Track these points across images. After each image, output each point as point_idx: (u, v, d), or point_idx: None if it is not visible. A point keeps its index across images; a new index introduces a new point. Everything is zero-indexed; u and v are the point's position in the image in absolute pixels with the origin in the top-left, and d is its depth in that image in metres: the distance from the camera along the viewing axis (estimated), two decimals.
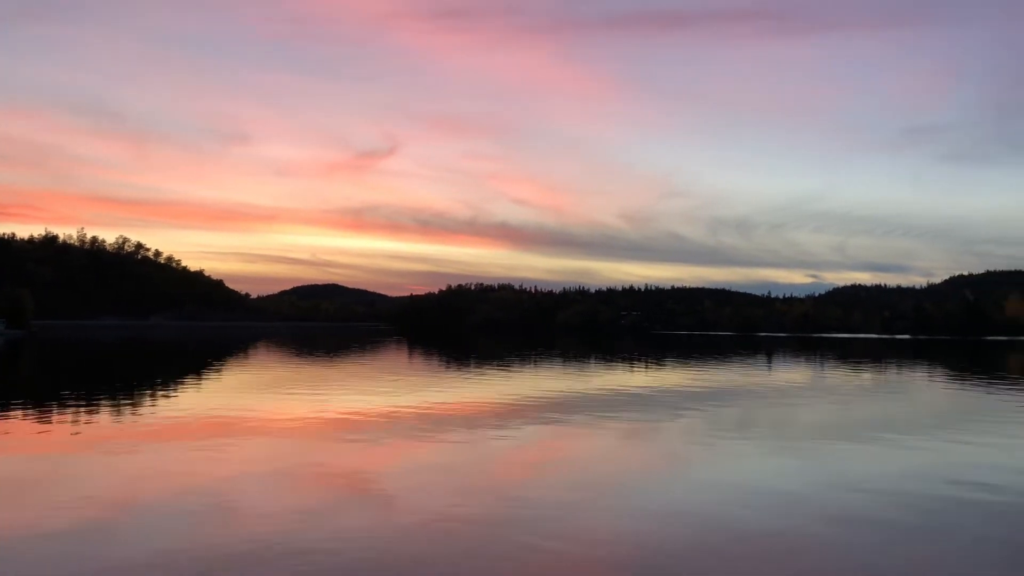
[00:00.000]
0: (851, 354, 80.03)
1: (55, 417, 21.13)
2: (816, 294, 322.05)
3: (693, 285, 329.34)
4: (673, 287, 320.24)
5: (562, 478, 13.49)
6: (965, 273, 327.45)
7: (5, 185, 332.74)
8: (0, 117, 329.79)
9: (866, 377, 44.13)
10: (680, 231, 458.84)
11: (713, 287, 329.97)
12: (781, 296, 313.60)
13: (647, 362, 57.73)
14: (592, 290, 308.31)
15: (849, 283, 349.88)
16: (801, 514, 10.92)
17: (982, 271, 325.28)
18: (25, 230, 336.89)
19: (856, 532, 10.02)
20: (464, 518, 10.46)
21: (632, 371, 46.90)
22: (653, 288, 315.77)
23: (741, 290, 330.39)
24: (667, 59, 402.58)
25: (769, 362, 60.29)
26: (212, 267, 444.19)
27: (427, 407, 24.15)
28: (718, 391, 32.18)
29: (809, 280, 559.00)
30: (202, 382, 35.19)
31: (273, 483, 12.64)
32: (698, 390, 32.56)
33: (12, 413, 21.69)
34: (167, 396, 27.60)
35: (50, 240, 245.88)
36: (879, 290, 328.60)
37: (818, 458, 15.71)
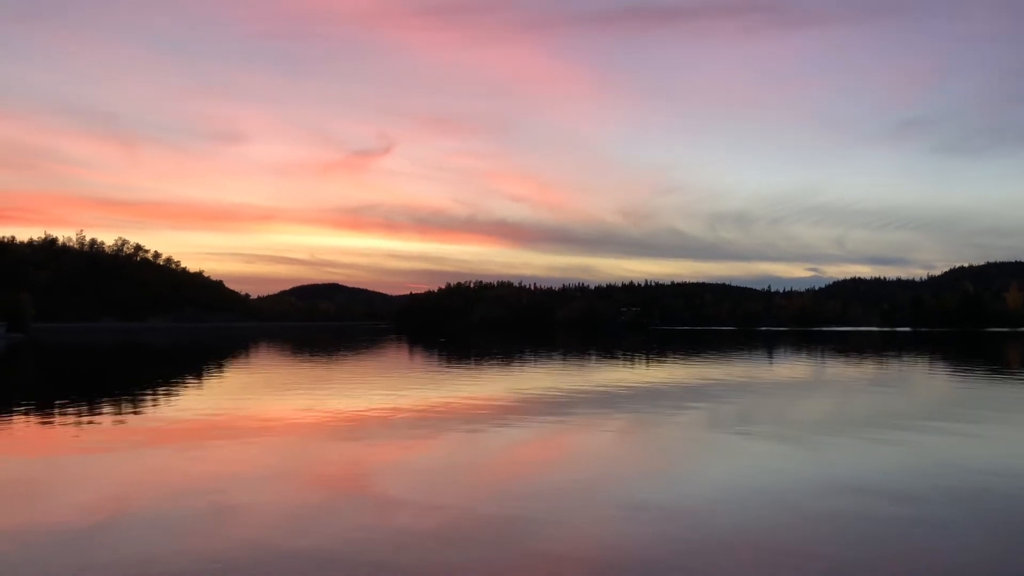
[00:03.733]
0: (851, 347, 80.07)
1: (55, 420, 21.14)
2: (816, 288, 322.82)
3: (693, 280, 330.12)
4: (673, 282, 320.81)
5: (562, 476, 13.50)
6: (965, 265, 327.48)
7: (0, 189, 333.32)
8: None
9: (866, 370, 44.18)
10: (679, 226, 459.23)
11: (713, 282, 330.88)
12: (781, 290, 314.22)
13: (647, 358, 57.75)
14: (592, 286, 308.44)
15: (849, 276, 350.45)
16: (800, 511, 10.93)
17: (982, 262, 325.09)
18: (24, 233, 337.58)
19: (855, 528, 10.03)
20: (463, 517, 10.47)
21: (632, 367, 46.92)
22: (653, 284, 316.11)
23: (741, 284, 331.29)
24: (660, 54, 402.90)
25: (769, 356, 60.32)
26: (211, 268, 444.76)
27: (427, 406, 24.16)
28: (718, 386, 32.20)
29: (809, 274, 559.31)
30: (202, 384, 35.20)
31: (272, 484, 12.64)
32: (698, 385, 32.58)
33: (13, 416, 21.71)
34: (166, 398, 27.63)
35: (49, 243, 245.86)
36: (879, 283, 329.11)
37: (819, 453, 15.71)
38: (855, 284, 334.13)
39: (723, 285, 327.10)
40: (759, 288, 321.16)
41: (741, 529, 9.82)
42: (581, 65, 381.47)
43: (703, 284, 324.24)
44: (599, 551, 8.97)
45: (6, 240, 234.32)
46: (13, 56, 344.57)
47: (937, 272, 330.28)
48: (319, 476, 13.40)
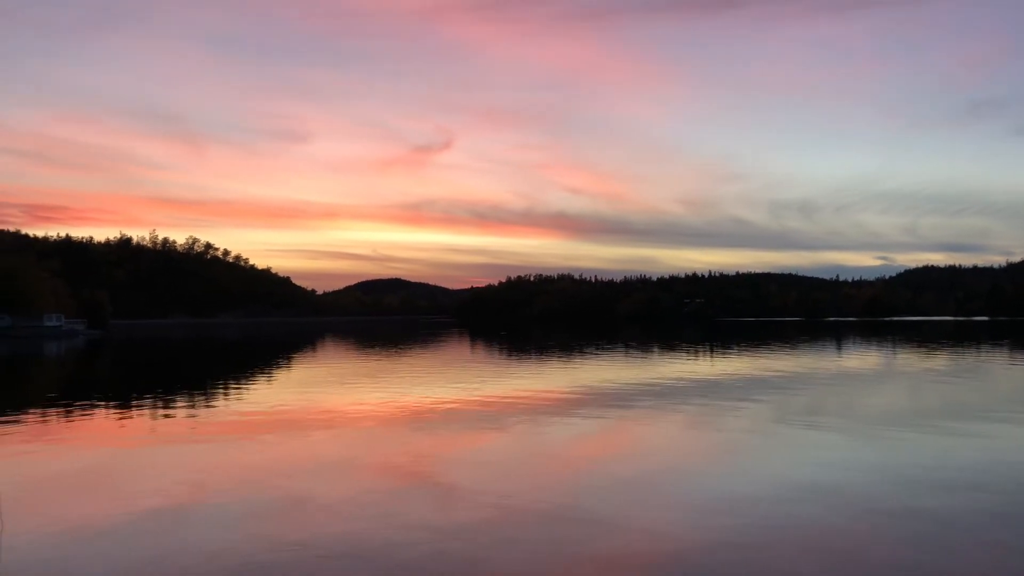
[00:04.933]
0: (924, 337, 77.56)
1: (132, 412, 21.96)
2: (886, 277, 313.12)
3: (757, 270, 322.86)
4: (737, 273, 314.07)
5: (624, 469, 13.44)
6: None
7: (78, 190, 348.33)
8: (69, 125, 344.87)
9: (939, 361, 42.73)
10: (742, 215, 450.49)
11: (778, 272, 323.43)
12: (849, 279, 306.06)
13: (711, 350, 56.97)
14: (653, 278, 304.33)
15: (921, 264, 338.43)
16: (863, 507, 10.67)
17: None
18: (100, 233, 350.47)
19: (919, 526, 9.75)
20: (526, 509, 10.51)
21: (696, 359, 46.35)
22: (716, 274, 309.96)
23: (807, 274, 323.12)
24: (717, 41, 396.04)
25: (838, 348, 58.88)
26: (278, 264, 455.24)
27: (489, 398, 24.30)
28: (785, 379, 31.59)
29: (878, 262, 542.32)
30: (271, 378, 36.08)
31: (339, 475, 12.90)
32: (764, 378, 32.01)
33: (93, 409, 22.63)
34: (237, 392, 28.41)
35: (124, 242, 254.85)
36: (953, 271, 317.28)
37: (886, 449, 15.30)
38: (927, 272, 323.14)
39: (789, 275, 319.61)
40: (826, 278, 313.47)
41: (807, 532, 9.64)
42: (638, 54, 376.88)
43: (768, 274, 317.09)
44: (657, 548, 8.90)
45: (85, 240, 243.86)
46: (87, 63, 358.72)
47: (1017, 259, 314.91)
48: (384, 467, 13.62)
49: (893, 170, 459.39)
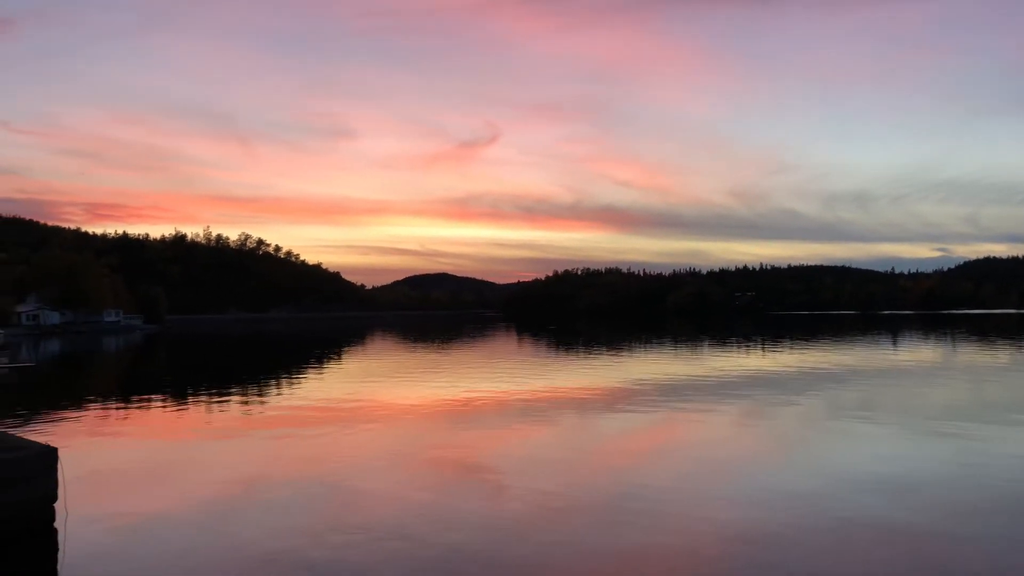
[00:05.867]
0: (984, 331, 75.25)
1: (189, 405, 22.43)
2: (945, 269, 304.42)
3: (810, 263, 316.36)
4: (789, 266, 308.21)
5: (675, 464, 13.31)
6: None
7: (134, 189, 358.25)
8: (125, 126, 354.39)
9: (999, 357, 41.36)
10: (793, 207, 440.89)
11: (831, 264, 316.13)
12: (906, 272, 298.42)
13: (763, 344, 56.06)
14: (704, 271, 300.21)
15: (982, 256, 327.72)
16: (919, 504, 10.39)
17: None
18: (156, 230, 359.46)
19: (982, 523, 9.44)
20: (576, 503, 10.47)
21: (747, 354, 45.66)
22: (768, 267, 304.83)
23: (862, 267, 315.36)
24: (767, 29, 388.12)
25: (894, 341, 57.45)
26: (328, 260, 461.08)
27: (538, 392, 24.25)
28: (839, 373, 30.92)
29: (937, 254, 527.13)
30: (322, 372, 36.55)
31: (387, 468, 13.00)
32: (817, 372, 31.39)
33: (152, 402, 23.17)
34: (290, 385, 28.83)
35: (179, 239, 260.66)
36: (1016, 262, 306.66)
37: (942, 444, 14.88)
38: (989, 264, 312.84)
39: (843, 268, 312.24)
40: (881, 270, 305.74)
41: (858, 518, 9.39)
42: (683, 44, 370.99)
43: (821, 267, 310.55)
44: (714, 538, 8.78)
45: (141, 238, 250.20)
46: (142, 65, 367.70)
47: None
48: (433, 461, 13.67)
49: (953, 159, 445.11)
